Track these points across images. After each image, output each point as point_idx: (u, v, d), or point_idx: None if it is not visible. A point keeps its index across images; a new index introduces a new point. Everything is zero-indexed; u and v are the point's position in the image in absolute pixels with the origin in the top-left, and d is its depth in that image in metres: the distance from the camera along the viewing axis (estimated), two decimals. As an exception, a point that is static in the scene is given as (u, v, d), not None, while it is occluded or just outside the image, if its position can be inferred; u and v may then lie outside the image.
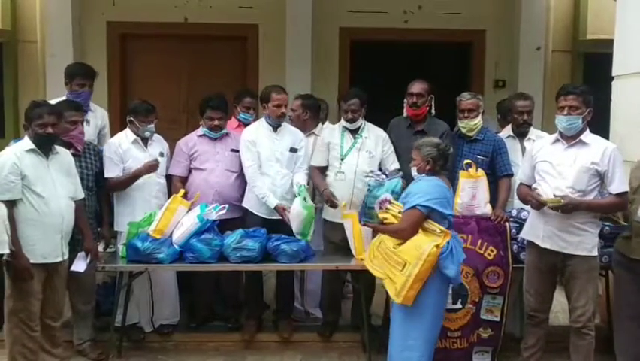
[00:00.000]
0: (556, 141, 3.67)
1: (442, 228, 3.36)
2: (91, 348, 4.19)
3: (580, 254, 3.55)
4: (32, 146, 3.53)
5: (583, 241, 3.55)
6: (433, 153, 3.50)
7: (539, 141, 3.97)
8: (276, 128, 4.39)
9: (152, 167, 4.23)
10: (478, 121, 4.26)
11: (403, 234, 3.42)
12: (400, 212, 3.49)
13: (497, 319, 4.01)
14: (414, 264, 3.27)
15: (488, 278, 3.98)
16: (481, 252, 3.99)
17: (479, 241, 3.99)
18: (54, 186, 3.57)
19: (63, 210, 3.60)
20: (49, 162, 3.59)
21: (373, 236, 3.91)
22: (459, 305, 3.97)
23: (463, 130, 4.28)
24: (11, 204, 3.42)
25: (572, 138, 3.60)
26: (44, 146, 3.57)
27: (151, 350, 4.32)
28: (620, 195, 3.51)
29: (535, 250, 3.72)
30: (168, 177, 4.46)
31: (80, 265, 3.80)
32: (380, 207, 3.63)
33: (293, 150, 4.40)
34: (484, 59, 6.81)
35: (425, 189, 3.41)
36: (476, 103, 4.27)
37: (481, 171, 4.09)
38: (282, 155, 4.37)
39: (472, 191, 4.07)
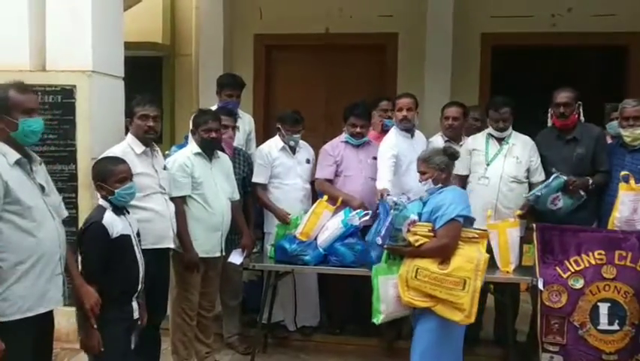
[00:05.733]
0: None
1: (478, 231, 3.31)
2: (239, 342, 4.45)
3: None
4: (199, 150, 3.84)
5: None
6: (444, 160, 3.38)
7: None
8: (411, 133, 4.43)
9: (284, 218, 4.35)
10: None
11: (447, 250, 3.25)
12: (429, 231, 3.29)
13: (660, 344, 3.70)
14: (474, 278, 3.17)
15: (650, 299, 3.68)
16: (643, 271, 3.70)
17: (640, 259, 3.70)
18: (216, 188, 3.85)
19: (224, 209, 3.87)
20: (212, 165, 3.88)
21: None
22: (616, 327, 3.70)
23: (627, 139, 3.99)
24: (182, 201, 3.73)
25: None
26: (208, 150, 3.86)
27: (293, 348, 4.51)
28: None
29: None
30: (313, 183, 4.61)
31: (236, 259, 4.06)
32: (408, 230, 3.34)
33: None
34: (641, 63, 6.30)
35: (455, 198, 3.31)
36: None
37: (644, 184, 3.80)
38: None
39: (632, 205, 3.78)
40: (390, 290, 3.37)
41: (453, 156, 3.45)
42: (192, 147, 3.89)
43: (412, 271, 3.26)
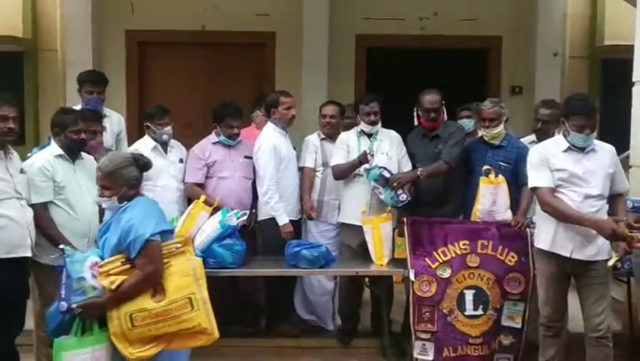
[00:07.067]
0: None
1: (180, 241, 2.92)
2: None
3: (604, 258, 3.42)
4: (61, 151, 3.60)
5: (605, 245, 3.42)
6: (136, 174, 2.90)
7: None
8: (285, 132, 4.53)
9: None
10: (499, 130, 4.20)
11: (155, 276, 2.73)
12: (123, 263, 2.76)
13: (518, 326, 3.98)
14: (198, 290, 2.77)
15: (509, 285, 3.95)
16: (502, 258, 3.97)
17: (500, 247, 3.97)
18: (81, 191, 3.62)
19: (90, 214, 3.64)
20: (75, 167, 3.66)
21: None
22: (480, 311, 3.95)
23: (485, 138, 4.25)
24: (44, 207, 3.48)
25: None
26: (74, 151, 3.64)
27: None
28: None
29: (554, 261, 3.50)
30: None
31: None
32: (94, 275, 2.74)
33: (294, 148, 4.61)
34: (500, 65, 6.80)
35: (145, 214, 2.81)
36: (498, 112, 4.20)
37: (501, 177, 4.07)
38: (294, 155, 4.54)
39: (492, 197, 4.05)
40: None
41: (145, 166, 2.99)
42: (52, 148, 3.63)
43: (126, 321, 2.67)
